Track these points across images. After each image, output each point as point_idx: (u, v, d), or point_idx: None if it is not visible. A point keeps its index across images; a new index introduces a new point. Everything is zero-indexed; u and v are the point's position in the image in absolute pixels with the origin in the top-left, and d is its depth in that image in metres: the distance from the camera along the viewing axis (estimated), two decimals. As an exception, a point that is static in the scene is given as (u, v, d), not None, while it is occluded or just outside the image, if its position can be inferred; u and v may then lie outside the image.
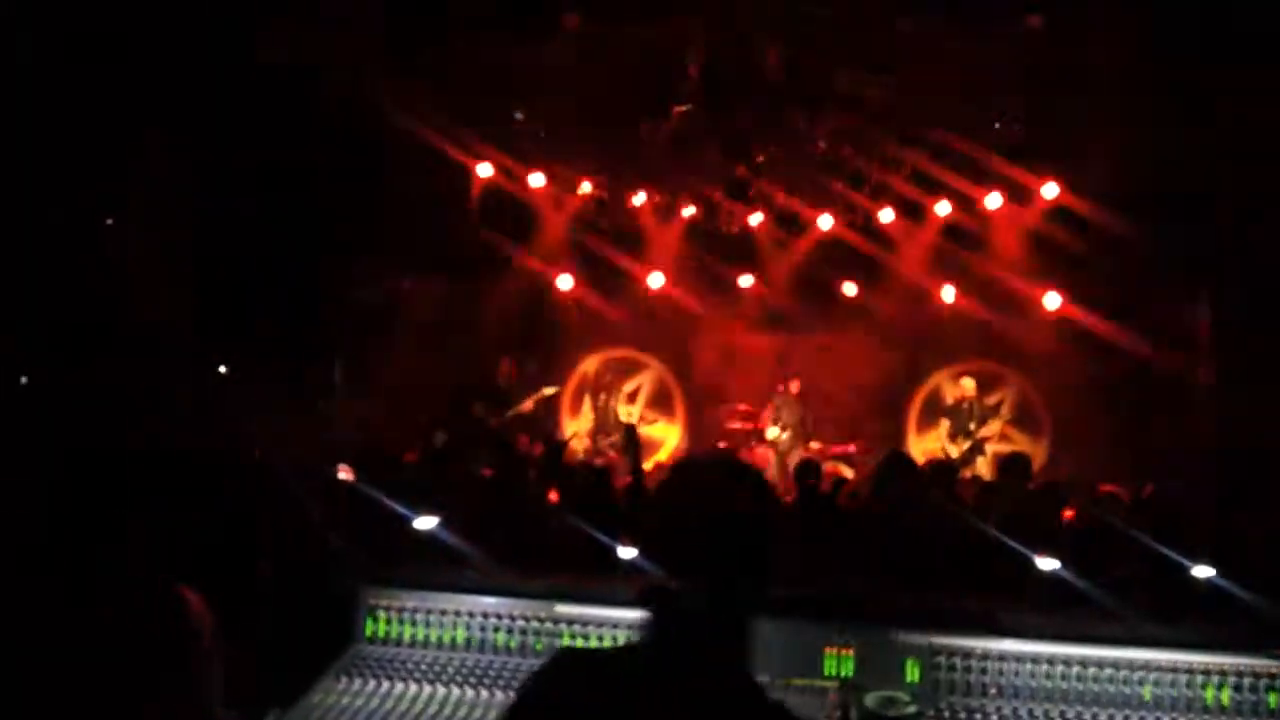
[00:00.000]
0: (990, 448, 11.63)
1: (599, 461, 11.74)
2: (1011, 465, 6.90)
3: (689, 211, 12.83)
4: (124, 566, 2.70)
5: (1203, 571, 3.33)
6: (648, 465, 12.19)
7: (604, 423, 12.75)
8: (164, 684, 2.47)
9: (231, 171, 9.98)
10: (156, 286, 9.90)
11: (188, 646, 2.48)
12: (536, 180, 12.60)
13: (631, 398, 13.68)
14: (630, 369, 13.83)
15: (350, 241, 10.98)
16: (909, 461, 4.93)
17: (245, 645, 3.34)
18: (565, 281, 13.02)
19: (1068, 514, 5.13)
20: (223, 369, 10.79)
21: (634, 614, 3.08)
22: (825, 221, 12.49)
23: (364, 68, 10.41)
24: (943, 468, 7.37)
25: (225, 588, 3.97)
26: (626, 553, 3.39)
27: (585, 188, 12.79)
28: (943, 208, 12.11)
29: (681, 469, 1.96)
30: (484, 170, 12.42)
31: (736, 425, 12.88)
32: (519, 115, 11.58)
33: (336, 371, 11.42)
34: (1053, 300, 11.63)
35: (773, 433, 12.20)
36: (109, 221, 10.48)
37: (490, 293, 12.82)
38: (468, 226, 12.49)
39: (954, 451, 11.48)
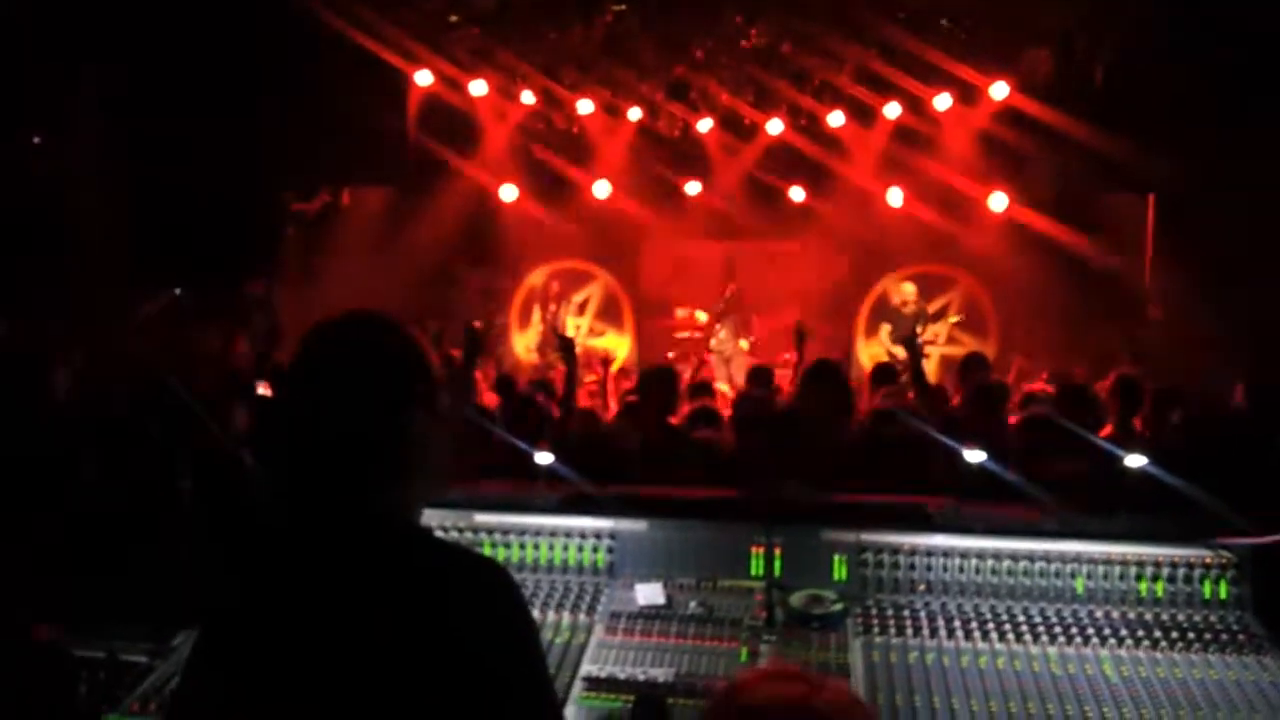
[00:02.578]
0: (935, 350, 11.66)
1: (550, 375, 11.64)
2: (969, 364, 6.88)
3: (635, 115, 12.53)
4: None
5: (1135, 462, 3.28)
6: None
7: (553, 335, 12.59)
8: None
9: (163, 84, 9.59)
10: (87, 204, 9.57)
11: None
12: (478, 88, 12.22)
13: (581, 309, 13.52)
14: (578, 280, 13.65)
15: (286, 153, 10.63)
16: (833, 367, 4.85)
17: (160, 564, 3.22)
18: (510, 192, 12.74)
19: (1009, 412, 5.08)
20: (177, 291, 10.50)
21: (554, 520, 3.00)
22: (774, 126, 12.28)
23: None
24: (884, 370, 7.36)
25: (143, 507, 3.83)
26: (543, 458, 3.28)
27: (527, 96, 12.45)
28: (892, 110, 11.91)
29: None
30: (423, 78, 12.03)
31: (685, 334, 12.81)
32: (453, 18, 11.17)
33: (275, 287, 11.13)
34: (999, 201, 11.54)
35: (714, 341, 12.17)
36: (36, 140, 10.09)
37: (433, 205, 12.52)
38: (407, 136, 12.13)
39: (898, 354, 11.48)
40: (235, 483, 3.69)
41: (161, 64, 9.47)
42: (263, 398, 4.70)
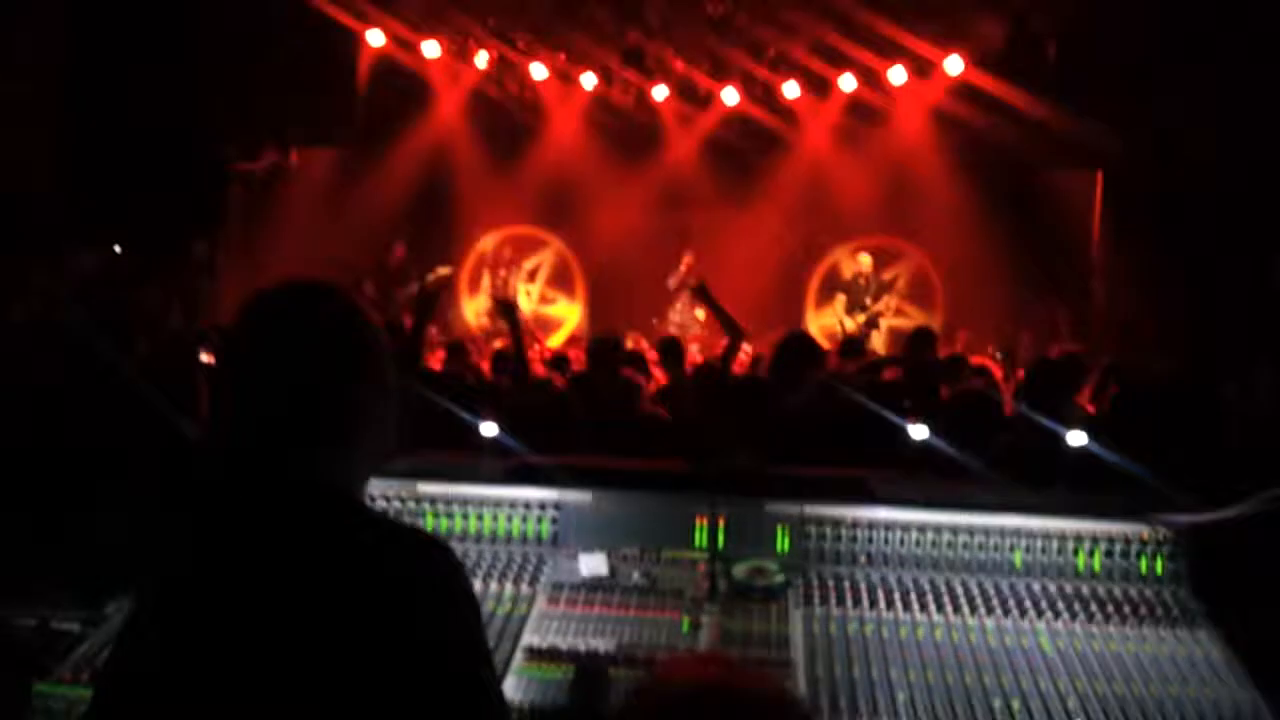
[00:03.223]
0: (884, 322, 11.75)
1: (498, 343, 11.57)
2: (917, 339, 6.92)
3: (590, 83, 12.42)
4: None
5: (1076, 438, 3.31)
6: (552, 343, 12.09)
7: (495, 302, 12.50)
8: None
9: (105, 37, 9.34)
10: (22, 161, 9.32)
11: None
12: (431, 50, 12.06)
13: (531, 276, 13.44)
14: (530, 246, 13.56)
15: (232, 111, 10.42)
16: (809, 341, 4.85)
17: (94, 533, 3.16)
18: (462, 156, 12.60)
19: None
20: (117, 249, 10.26)
21: (497, 491, 2.97)
22: (729, 96, 12.24)
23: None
24: (852, 345, 7.40)
25: (77, 475, 3.75)
26: (488, 429, 3.25)
27: (481, 58, 12.29)
28: (847, 82, 11.92)
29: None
30: (375, 38, 11.85)
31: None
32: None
33: (218, 249, 10.93)
34: (949, 174, 11.63)
35: (671, 312, 12.19)
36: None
37: (383, 167, 12.36)
38: (357, 97, 11.94)
39: (850, 325, 11.56)
40: (173, 452, 3.62)
41: (100, 15, 9.25)
42: (204, 365, 4.61)
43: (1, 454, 3.44)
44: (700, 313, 12.12)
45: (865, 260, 12.10)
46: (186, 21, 9.66)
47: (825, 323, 12.40)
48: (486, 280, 13.06)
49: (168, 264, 9.79)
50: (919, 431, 3.33)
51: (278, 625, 1.54)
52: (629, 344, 11.10)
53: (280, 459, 1.64)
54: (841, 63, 11.70)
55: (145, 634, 1.64)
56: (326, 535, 1.61)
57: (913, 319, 11.70)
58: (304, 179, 12.09)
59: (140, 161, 9.66)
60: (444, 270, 12.16)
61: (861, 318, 11.71)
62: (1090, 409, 4.76)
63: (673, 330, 11.92)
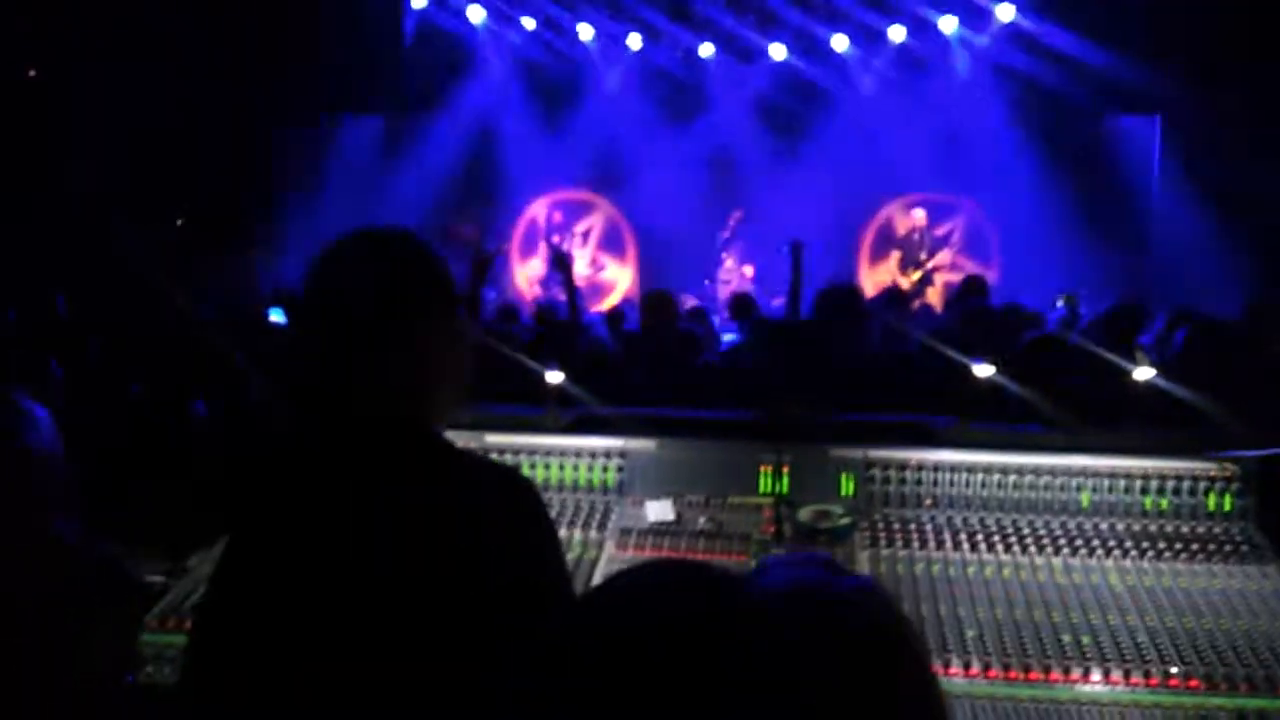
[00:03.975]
0: (940, 278, 11.62)
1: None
2: (967, 287, 6.90)
3: (636, 42, 12.36)
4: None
5: (1143, 374, 3.29)
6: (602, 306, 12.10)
7: (549, 248, 12.51)
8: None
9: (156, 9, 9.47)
10: (86, 141, 9.50)
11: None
12: (476, 14, 12.05)
13: (583, 239, 13.44)
14: (580, 210, 13.55)
15: (278, 79, 10.48)
16: (848, 288, 4.85)
17: (175, 489, 3.25)
18: (509, 121, 12.61)
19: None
20: (179, 222, 10.45)
21: (564, 440, 3.02)
22: (777, 50, 12.12)
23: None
24: (895, 295, 7.37)
25: (159, 433, 3.86)
26: (554, 377, 3.29)
27: (528, 20, 12.26)
28: (897, 32, 11.76)
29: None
30: (419, 1, 11.86)
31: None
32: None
33: (273, 219, 11.06)
34: (1004, 123, 11.46)
35: (721, 270, 12.17)
36: (31, 74, 9.99)
37: (429, 134, 12.41)
38: (402, 63, 11.96)
39: (904, 283, 11.45)
40: (251, 406, 3.72)
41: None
42: (274, 325, 4.72)
43: (86, 414, 3.55)
44: (749, 269, 12.08)
45: (919, 215, 11.97)
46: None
47: (880, 280, 12.27)
48: (541, 248, 13.04)
49: (226, 233, 9.92)
50: (983, 370, 3.32)
51: (373, 559, 1.58)
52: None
53: (364, 402, 1.67)
54: (891, 12, 11.53)
55: (245, 577, 1.68)
56: (416, 471, 1.64)
57: (969, 272, 11.55)
58: (351, 145, 12.17)
59: (191, 133, 9.79)
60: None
61: (917, 274, 11.60)
62: (1156, 356, 4.71)
63: (719, 287, 11.93)
